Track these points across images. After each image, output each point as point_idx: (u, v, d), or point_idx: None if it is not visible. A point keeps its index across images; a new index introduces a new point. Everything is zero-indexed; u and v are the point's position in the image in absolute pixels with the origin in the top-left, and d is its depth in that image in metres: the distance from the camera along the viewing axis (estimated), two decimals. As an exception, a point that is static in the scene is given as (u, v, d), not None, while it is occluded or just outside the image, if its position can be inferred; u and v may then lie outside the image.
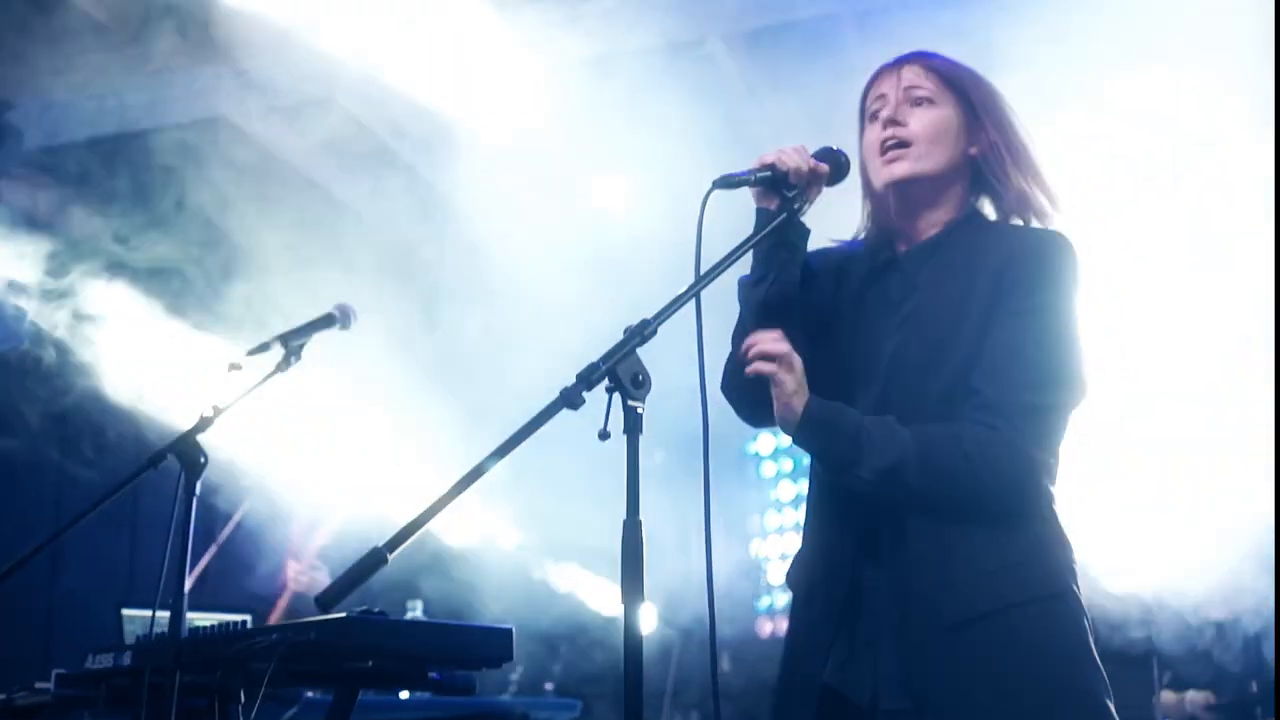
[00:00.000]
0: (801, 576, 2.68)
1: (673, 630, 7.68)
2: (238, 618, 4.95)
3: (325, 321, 3.42)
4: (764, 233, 2.57)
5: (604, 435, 2.21)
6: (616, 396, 2.24)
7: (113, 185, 5.93)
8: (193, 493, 3.03)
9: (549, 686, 7.55)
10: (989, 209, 2.73)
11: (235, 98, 5.93)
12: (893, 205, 2.69)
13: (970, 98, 2.68)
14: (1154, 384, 5.62)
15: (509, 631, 2.78)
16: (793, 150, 2.60)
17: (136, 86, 5.91)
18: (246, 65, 5.68)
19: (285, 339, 3.35)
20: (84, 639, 5.74)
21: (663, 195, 5.25)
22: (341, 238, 6.14)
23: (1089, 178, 5.09)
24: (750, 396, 2.62)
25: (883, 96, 2.70)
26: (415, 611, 4.23)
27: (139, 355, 6.01)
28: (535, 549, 7.56)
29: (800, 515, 7.99)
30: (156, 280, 6.15)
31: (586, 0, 5.54)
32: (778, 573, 8.62)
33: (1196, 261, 5.51)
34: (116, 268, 5.95)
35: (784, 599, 8.55)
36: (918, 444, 2.41)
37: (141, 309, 6.14)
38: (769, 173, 2.58)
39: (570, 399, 2.18)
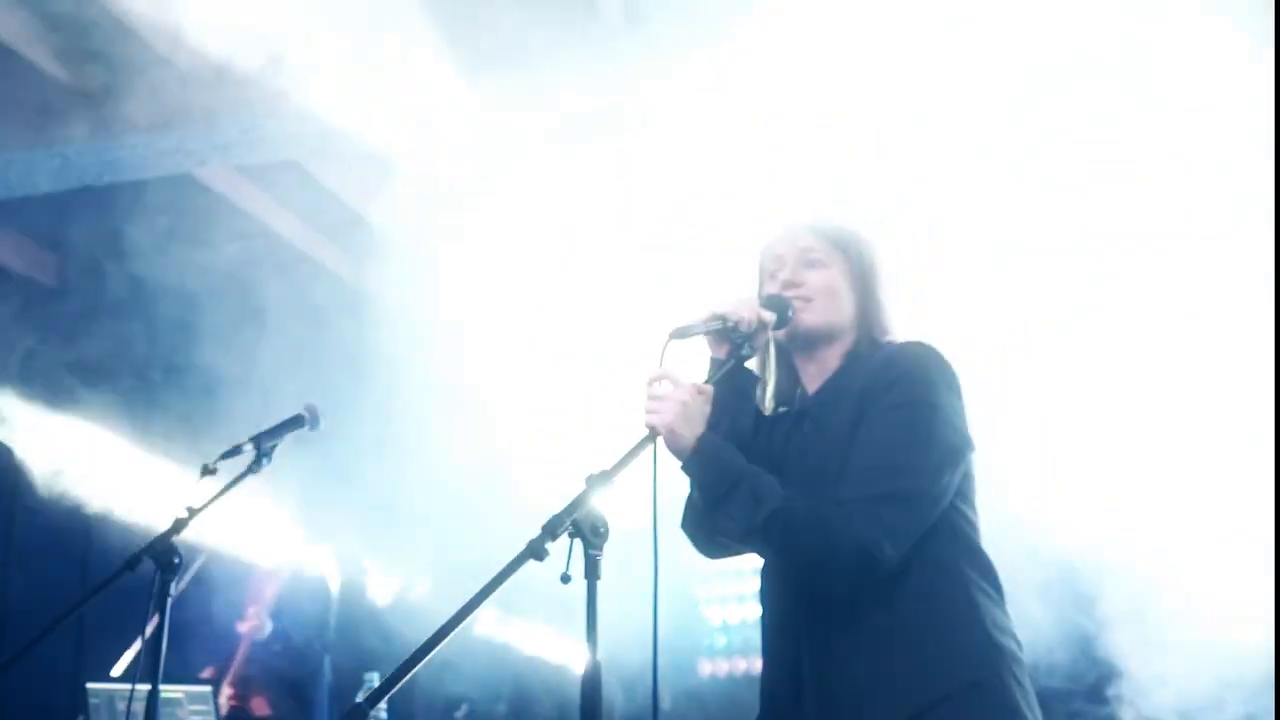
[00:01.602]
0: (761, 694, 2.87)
1: (615, 681, 7.86)
2: (201, 689, 5.11)
3: (294, 423, 3.57)
4: (715, 378, 2.78)
5: (565, 579, 2.39)
6: (578, 543, 2.42)
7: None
8: (167, 594, 3.17)
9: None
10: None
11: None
12: (796, 350, 2.93)
13: (854, 256, 2.92)
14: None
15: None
16: (742, 300, 2.81)
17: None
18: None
19: (257, 440, 3.50)
20: (33, 709, 5.80)
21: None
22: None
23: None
24: (705, 535, 2.86)
25: (780, 257, 2.94)
26: (373, 681, 4.35)
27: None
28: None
29: (740, 561, 8.20)
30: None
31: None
32: (718, 614, 8.83)
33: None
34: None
35: (724, 640, 8.77)
36: (788, 507, 2.60)
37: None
38: (720, 323, 2.78)
39: (535, 551, 2.36)
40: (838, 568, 2.59)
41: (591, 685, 2.42)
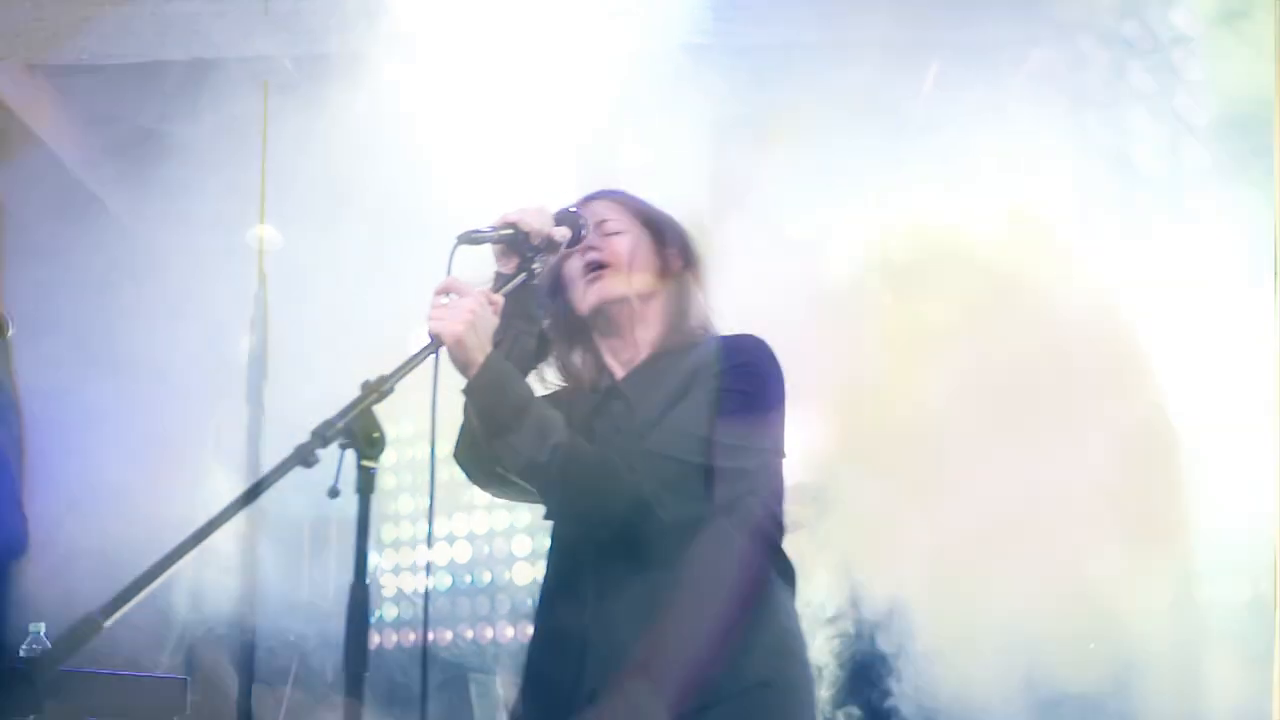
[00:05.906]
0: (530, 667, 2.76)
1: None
2: None
3: None
4: (504, 290, 2.63)
5: (334, 493, 2.18)
6: (350, 454, 2.20)
7: None
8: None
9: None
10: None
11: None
12: (599, 328, 2.82)
13: (656, 227, 2.86)
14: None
15: (183, 682, 2.65)
16: (535, 211, 2.67)
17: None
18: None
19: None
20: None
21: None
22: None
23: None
24: (480, 466, 2.71)
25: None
26: (39, 630, 3.86)
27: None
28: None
29: (418, 529, 8.06)
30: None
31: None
32: (392, 585, 8.56)
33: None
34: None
35: (395, 612, 8.50)
36: (572, 443, 2.53)
37: None
38: (511, 231, 2.64)
39: (304, 457, 2.14)
40: (612, 512, 2.54)
41: (359, 612, 2.21)
